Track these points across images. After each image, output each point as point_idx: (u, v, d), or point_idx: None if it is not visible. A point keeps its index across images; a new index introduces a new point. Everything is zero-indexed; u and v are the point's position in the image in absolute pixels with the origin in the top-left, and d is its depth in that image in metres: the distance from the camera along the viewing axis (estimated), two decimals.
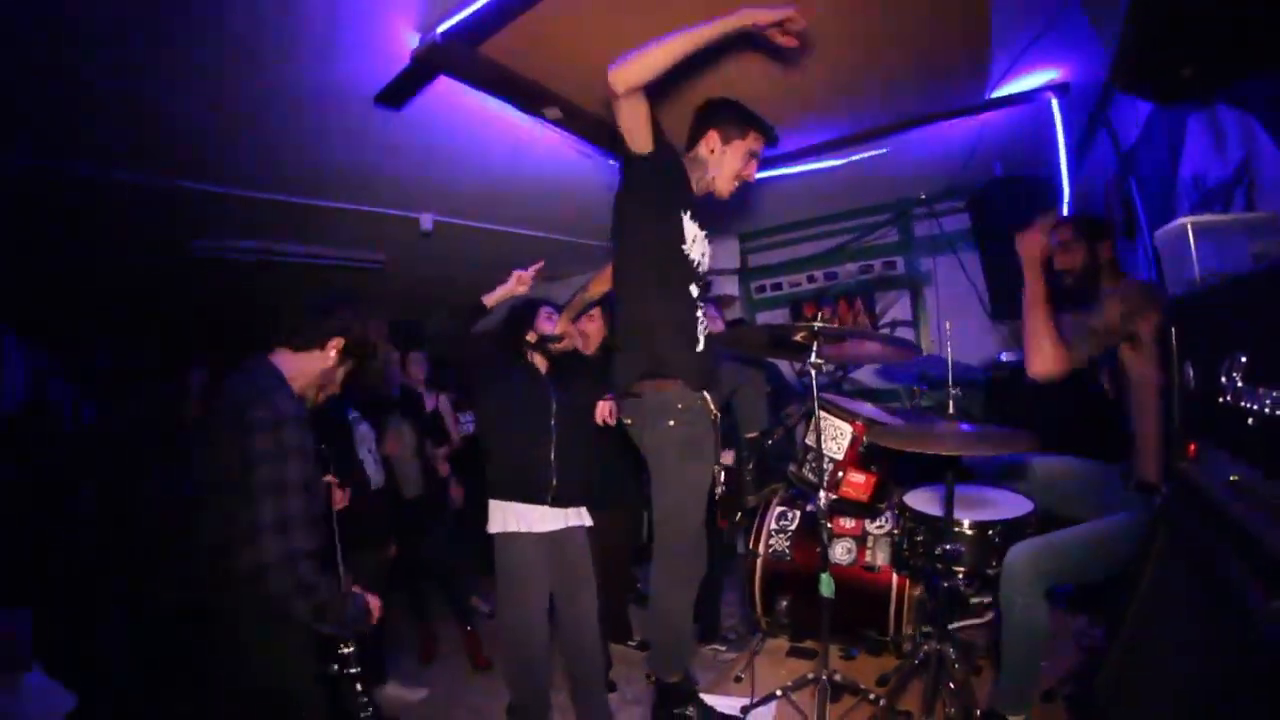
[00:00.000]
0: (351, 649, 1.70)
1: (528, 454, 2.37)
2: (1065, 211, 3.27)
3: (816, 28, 2.27)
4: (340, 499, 2.15)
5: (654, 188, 1.89)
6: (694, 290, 1.95)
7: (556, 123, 2.81)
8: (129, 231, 3.61)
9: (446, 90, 2.48)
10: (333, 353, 1.65)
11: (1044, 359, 2.01)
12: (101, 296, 4.62)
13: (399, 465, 3.62)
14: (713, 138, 2.02)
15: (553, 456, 2.37)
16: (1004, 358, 3.59)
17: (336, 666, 1.68)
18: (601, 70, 2.42)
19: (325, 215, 3.64)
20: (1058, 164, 3.22)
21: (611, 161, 3.35)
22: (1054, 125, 3.05)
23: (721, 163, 2.03)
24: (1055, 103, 2.92)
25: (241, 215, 3.55)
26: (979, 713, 1.93)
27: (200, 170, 2.97)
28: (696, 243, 1.96)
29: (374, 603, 1.63)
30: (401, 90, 2.47)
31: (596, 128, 2.90)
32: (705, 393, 1.95)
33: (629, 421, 2.05)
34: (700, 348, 1.97)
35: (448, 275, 5.39)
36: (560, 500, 2.37)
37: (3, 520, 2.73)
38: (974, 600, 2.44)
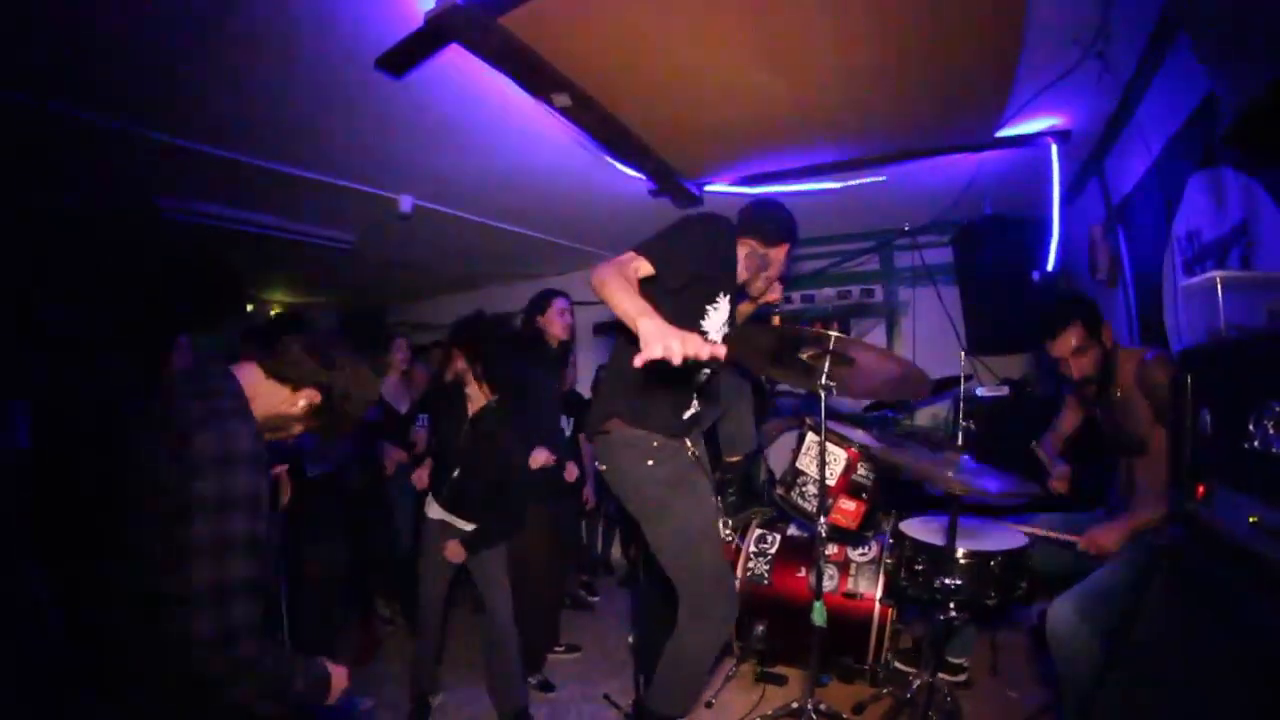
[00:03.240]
0: None
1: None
2: (1052, 255, 3.33)
3: (840, 53, 2.26)
4: (287, 493, 1.89)
5: (671, 291, 1.85)
6: None
7: (564, 111, 2.69)
8: (71, 177, 3.28)
9: (454, 61, 2.33)
10: (301, 403, 1.35)
11: None
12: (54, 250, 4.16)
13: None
14: (751, 241, 2.09)
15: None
16: (979, 392, 3.64)
17: None
18: (618, 63, 2.38)
19: (297, 185, 3.39)
20: (1049, 208, 3.28)
21: (610, 159, 3.25)
22: (1050, 170, 3.11)
23: (766, 263, 2.11)
24: (1055, 148, 2.98)
25: (205, 174, 3.26)
26: None
27: (164, 117, 2.67)
28: (720, 329, 1.99)
29: (339, 673, 1.31)
30: (406, 55, 2.29)
31: (604, 123, 2.80)
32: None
33: (603, 467, 2.00)
34: (686, 414, 1.98)
35: (419, 262, 5.16)
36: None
37: None
38: (952, 660, 2.43)
